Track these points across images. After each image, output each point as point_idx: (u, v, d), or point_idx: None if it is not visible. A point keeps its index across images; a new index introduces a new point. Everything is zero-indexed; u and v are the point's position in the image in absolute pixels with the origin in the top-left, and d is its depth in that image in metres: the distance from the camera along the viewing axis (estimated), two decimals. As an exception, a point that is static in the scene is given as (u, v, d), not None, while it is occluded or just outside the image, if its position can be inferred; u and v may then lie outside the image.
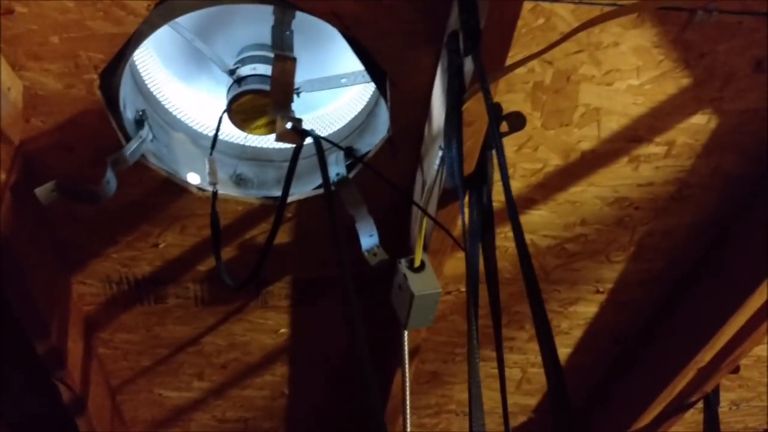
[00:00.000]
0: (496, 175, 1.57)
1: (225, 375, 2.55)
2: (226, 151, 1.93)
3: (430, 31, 1.46)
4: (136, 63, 1.73)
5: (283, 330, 2.35)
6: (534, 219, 1.94)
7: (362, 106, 1.88)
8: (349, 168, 1.80)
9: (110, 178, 1.57)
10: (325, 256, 2.07)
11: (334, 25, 1.46)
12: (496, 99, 1.39)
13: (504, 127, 1.44)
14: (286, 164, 1.92)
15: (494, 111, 1.17)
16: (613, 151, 1.78)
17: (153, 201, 1.84)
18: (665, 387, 2.40)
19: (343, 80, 1.79)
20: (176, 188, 1.81)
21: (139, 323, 2.26)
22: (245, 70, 1.68)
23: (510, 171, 1.79)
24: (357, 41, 1.49)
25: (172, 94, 1.85)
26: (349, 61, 1.73)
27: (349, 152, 1.75)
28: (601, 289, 2.24)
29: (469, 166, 1.50)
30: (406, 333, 1.78)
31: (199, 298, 2.17)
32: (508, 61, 1.35)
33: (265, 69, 1.68)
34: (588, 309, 2.32)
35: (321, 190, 1.86)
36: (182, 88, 1.86)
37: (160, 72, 1.81)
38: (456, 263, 1.98)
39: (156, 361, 2.44)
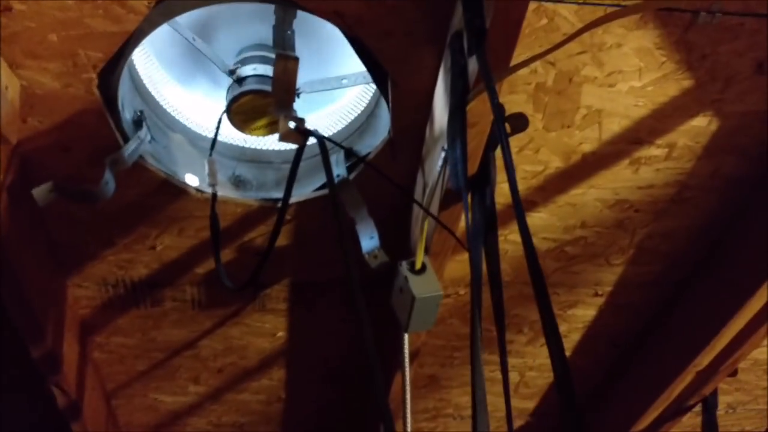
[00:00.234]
0: (498, 176, 1.57)
1: (221, 379, 2.53)
2: (225, 152, 1.91)
3: (433, 31, 1.46)
4: (135, 63, 1.71)
5: (280, 333, 2.34)
6: (534, 221, 1.94)
7: (362, 108, 1.87)
8: (349, 170, 1.79)
9: (108, 178, 1.55)
10: (323, 258, 2.06)
11: (336, 24, 1.45)
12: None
13: (506, 128, 1.43)
14: (286, 166, 1.92)
15: (500, 111, 1.16)
16: (614, 153, 1.78)
17: (151, 202, 1.82)
18: (663, 390, 2.40)
19: (344, 81, 1.78)
20: (174, 190, 1.80)
21: (135, 327, 2.24)
22: (245, 71, 1.66)
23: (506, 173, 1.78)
24: (359, 41, 1.48)
25: (170, 94, 1.83)
26: (350, 62, 1.72)
27: (350, 153, 1.74)
28: (600, 292, 2.24)
29: (472, 167, 1.49)
30: (406, 336, 1.77)
31: (196, 301, 2.16)
32: (512, 62, 1.34)
33: (266, 69, 1.67)
34: (587, 312, 2.32)
35: (320, 192, 1.85)
36: (181, 88, 1.85)
37: (159, 72, 1.80)
38: (455, 266, 1.97)
39: (152, 365, 2.42)
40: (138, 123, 1.71)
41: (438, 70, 1.53)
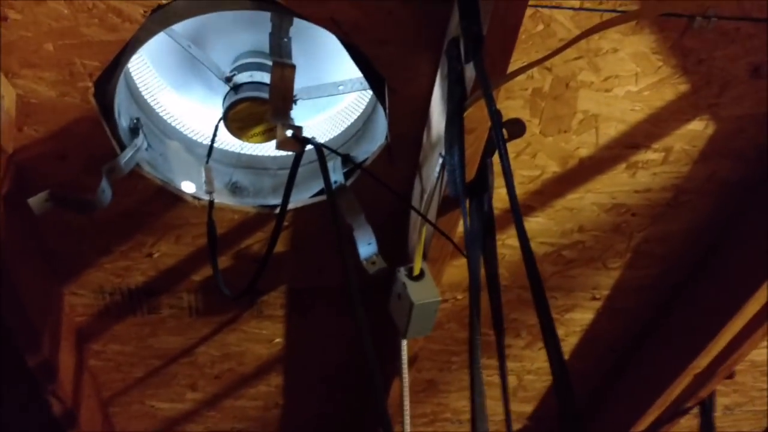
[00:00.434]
0: (496, 182, 1.57)
1: (218, 386, 2.53)
2: (221, 159, 1.91)
3: (430, 38, 1.46)
4: (131, 70, 1.71)
5: (277, 340, 2.33)
6: (531, 226, 1.94)
7: (359, 114, 1.87)
8: (346, 176, 1.78)
9: (105, 187, 1.54)
10: (321, 264, 2.06)
11: (332, 31, 1.44)
12: (495, 106, 1.39)
13: (503, 134, 1.43)
14: (282, 172, 1.92)
15: (499, 118, 1.16)
16: (611, 158, 1.78)
17: (147, 210, 1.81)
18: (661, 393, 2.41)
19: (341, 87, 1.78)
20: (171, 197, 1.79)
21: (132, 334, 2.23)
22: (242, 78, 1.66)
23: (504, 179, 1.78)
24: (355, 48, 1.48)
25: (166, 102, 1.83)
26: (346, 68, 1.72)
27: (346, 159, 1.74)
28: (597, 296, 2.24)
29: (470, 174, 1.49)
30: (404, 342, 1.76)
31: (193, 308, 2.15)
32: (509, 68, 1.34)
33: (262, 76, 1.66)
34: (584, 316, 2.32)
35: (317, 199, 1.85)
36: (176, 96, 1.84)
37: (155, 79, 1.79)
38: (453, 271, 1.97)
39: (149, 372, 2.41)
40: (134, 131, 1.70)
41: (435, 76, 1.53)
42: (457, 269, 1.98)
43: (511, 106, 1.61)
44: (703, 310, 2.14)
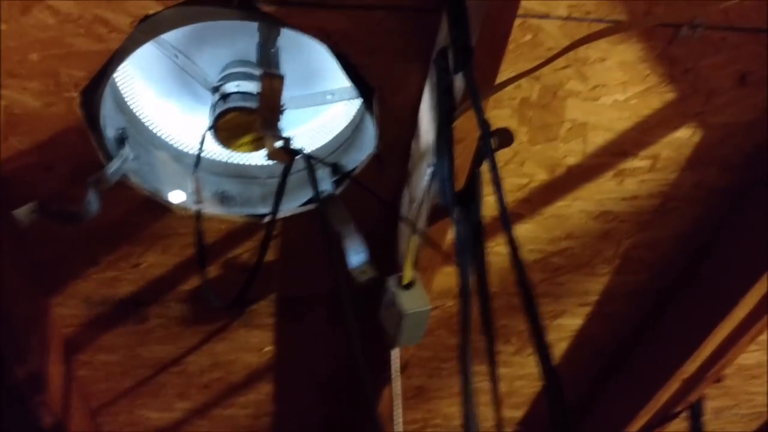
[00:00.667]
0: (484, 190, 1.57)
1: (208, 394, 2.51)
2: (209, 168, 1.90)
3: (419, 48, 1.46)
4: (117, 80, 1.70)
5: (267, 348, 2.32)
6: (520, 233, 1.94)
7: (347, 123, 1.87)
8: (335, 184, 1.78)
9: (92, 198, 1.53)
10: (310, 273, 2.05)
11: (322, 41, 1.44)
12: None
13: (492, 143, 1.43)
14: (270, 181, 1.91)
15: (488, 129, 1.16)
16: (599, 166, 1.79)
17: (135, 220, 1.80)
18: (650, 398, 2.42)
19: (329, 96, 1.78)
20: (158, 207, 1.78)
21: (120, 344, 2.21)
22: (229, 87, 1.65)
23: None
24: (345, 57, 1.48)
25: (153, 111, 1.82)
26: (334, 76, 1.72)
27: (335, 169, 1.73)
28: (586, 302, 2.25)
29: (459, 183, 1.49)
30: (395, 350, 1.76)
31: (182, 317, 2.13)
32: (498, 78, 1.34)
33: (250, 86, 1.66)
34: (573, 321, 2.33)
35: (306, 208, 1.84)
36: (163, 105, 1.83)
37: (141, 89, 1.78)
38: (442, 278, 1.97)
39: (137, 382, 2.39)
40: (120, 141, 1.69)
41: (423, 85, 1.53)
42: (446, 276, 1.98)
43: (499, 115, 1.61)
44: (691, 315, 2.16)
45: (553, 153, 1.73)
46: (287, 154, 1.44)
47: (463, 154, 1.44)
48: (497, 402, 1.40)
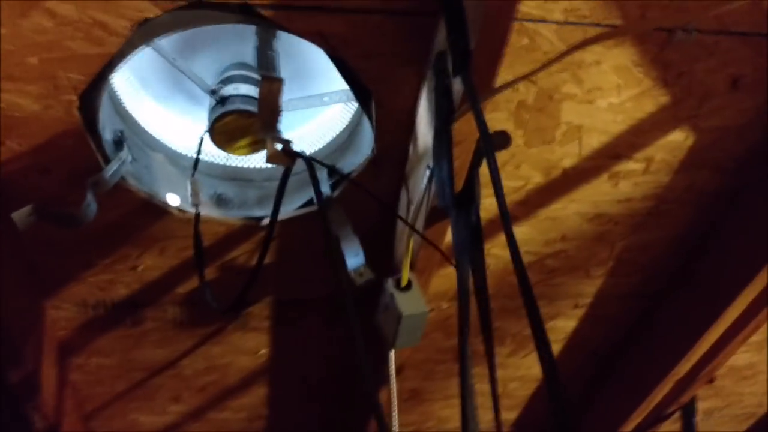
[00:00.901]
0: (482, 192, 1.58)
1: (203, 398, 2.51)
2: (206, 171, 1.90)
3: (416, 51, 1.47)
4: (115, 83, 1.70)
5: (262, 351, 2.32)
6: (515, 235, 1.94)
7: (344, 126, 1.88)
8: (332, 188, 1.79)
9: (90, 201, 1.53)
10: (306, 276, 2.05)
11: (319, 45, 1.45)
12: (481, 118, 1.40)
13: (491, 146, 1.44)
14: (267, 183, 1.92)
15: (487, 132, 1.17)
16: (594, 168, 1.80)
17: (132, 223, 1.80)
18: (643, 399, 2.44)
19: (325, 99, 1.79)
20: (156, 210, 1.78)
21: (115, 347, 2.21)
22: (228, 90, 1.66)
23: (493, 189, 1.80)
24: (342, 61, 1.49)
25: (150, 114, 1.82)
26: (331, 79, 1.73)
27: (333, 171, 1.74)
28: (580, 304, 2.26)
29: (458, 185, 1.50)
30: (392, 353, 1.77)
31: (177, 320, 2.13)
32: (496, 81, 1.36)
33: (248, 89, 1.66)
34: (567, 324, 2.35)
35: (303, 211, 1.85)
36: (161, 108, 1.83)
37: (139, 92, 1.78)
38: (437, 280, 1.98)
39: (132, 385, 2.38)
40: (118, 143, 1.69)
41: (421, 88, 1.54)
42: (442, 278, 1.99)
43: (496, 118, 1.62)
44: (684, 317, 2.18)
45: (549, 156, 1.75)
46: (288, 156, 1.45)
47: (462, 156, 1.45)
48: (497, 402, 1.41)
